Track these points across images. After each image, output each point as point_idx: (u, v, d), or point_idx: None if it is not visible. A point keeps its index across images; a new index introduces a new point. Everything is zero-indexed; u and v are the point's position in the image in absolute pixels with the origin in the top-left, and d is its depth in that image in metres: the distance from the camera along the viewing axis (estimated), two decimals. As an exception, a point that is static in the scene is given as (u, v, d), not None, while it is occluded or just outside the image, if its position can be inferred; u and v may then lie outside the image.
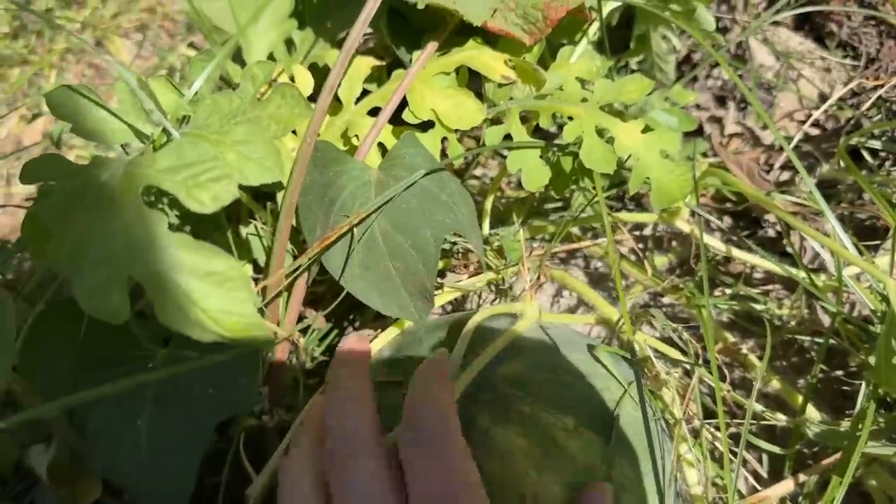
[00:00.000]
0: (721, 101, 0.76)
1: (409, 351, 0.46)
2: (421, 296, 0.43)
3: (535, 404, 0.40)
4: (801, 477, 0.50)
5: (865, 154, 0.64)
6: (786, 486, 0.50)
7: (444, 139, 0.53)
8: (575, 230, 0.66)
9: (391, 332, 0.48)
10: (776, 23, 0.82)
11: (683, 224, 0.59)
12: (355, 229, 0.44)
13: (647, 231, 0.70)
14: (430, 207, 0.44)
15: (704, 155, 0.68)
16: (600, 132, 0.50)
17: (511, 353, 0.43)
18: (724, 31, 0.84)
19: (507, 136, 0.52)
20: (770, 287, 0.63)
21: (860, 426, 0.44)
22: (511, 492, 0.37)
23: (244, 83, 0.43)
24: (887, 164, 0.65)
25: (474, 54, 0.52)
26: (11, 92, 1.21)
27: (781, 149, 0.68)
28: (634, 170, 0.48)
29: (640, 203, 0.71)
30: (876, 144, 0.63)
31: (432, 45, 0.52)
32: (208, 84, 0.43)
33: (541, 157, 0.52)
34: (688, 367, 0.52)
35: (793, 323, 0.57)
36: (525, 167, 0.51)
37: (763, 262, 0.56)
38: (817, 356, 0.52)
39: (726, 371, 0.59)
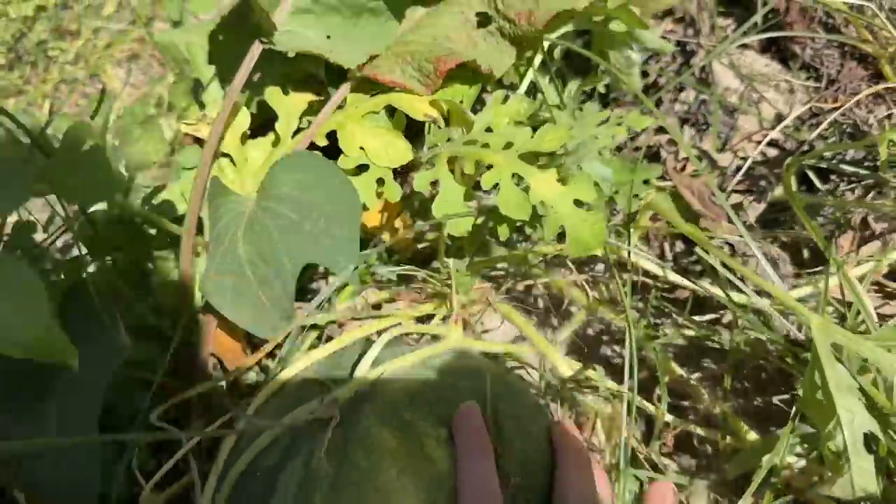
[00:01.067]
0: (683, 123, 0.77)
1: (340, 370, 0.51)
2: (285, 318, 0.48)
3: (416, 413, 0.44)
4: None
5: (812, 176, 0.65)
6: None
7: (380, 180, 0.55)
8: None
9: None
10: (743, 46, 0.83)
11: (625, 256, 0.60)
12: (227, 257, 0.48)
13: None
14: (290, 238, 0.48)
15: (661, 178, 0.69)
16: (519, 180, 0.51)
17: (419, 369, 0.49)
18: (689, 54, 0.86)
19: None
20: (724, 311, 0.63)
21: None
22: (369, 486, 0.40)
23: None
24: (841, 185, 0.65)
25: (400, 95, 0.54)
26: (5, 122, 1.25)
27: (736, 171, 0.69)
28: (549, 219, 0.49)
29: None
30: (823, 165, 0.64)
31: (345, 86, 0.55)
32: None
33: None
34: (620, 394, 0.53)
35: (743, 346, 0.57)
36: (449, 214, 0.53)
37: (703, 289, 0.56)
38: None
39: (671, 400, 0.60)
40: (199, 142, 0.63)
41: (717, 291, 0.56)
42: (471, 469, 0.41)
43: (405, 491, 0.40)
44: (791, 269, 0.59)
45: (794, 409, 0.49)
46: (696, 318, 0.60)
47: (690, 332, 0.60)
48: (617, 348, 0.66)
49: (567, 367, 0.54)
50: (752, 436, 0.52)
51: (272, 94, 0.57)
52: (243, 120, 0.57)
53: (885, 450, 0.41)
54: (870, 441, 0.41)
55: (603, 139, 0.62)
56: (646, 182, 0.68)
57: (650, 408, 0.55)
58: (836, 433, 0.40)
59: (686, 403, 0.60)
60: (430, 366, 0.49)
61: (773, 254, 0.60)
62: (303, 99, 0.57)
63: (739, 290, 0.55)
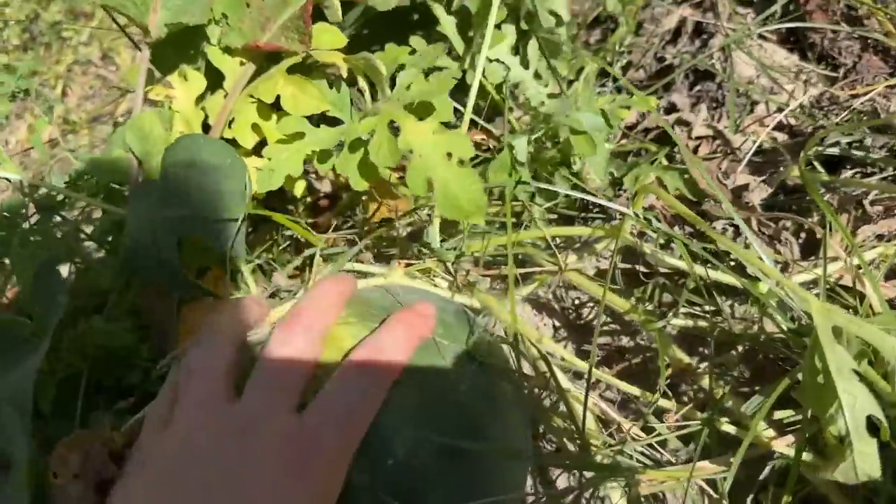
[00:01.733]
0: (696, 103, 0.76)
1: None
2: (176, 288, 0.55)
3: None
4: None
5: (818, 166, 0.64)
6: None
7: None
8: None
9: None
10: (763, 38, 0.82)
11: (628, 238, 0.60)
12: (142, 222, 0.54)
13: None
14: (172, 212, 0.52)
15: (668, 158, 0.68)
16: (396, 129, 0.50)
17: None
18: (708, 36, 0.85)
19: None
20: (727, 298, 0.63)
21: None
22: None
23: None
24: (857, 175, 0.64)
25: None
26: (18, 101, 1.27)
27: (756, 154, 0.68)
28: (414, 167, 0.48)
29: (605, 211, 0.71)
30: (836, 151, 0.63)
31: (245, 68, 0.57)
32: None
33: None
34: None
35: (743, 332, 0.57)
36: (349, 171, 0.53)
37: (702, 273, 0.56)
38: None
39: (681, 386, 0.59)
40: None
41: (716, 276, 0.56)
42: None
43: None
44: (798, 254, 0.58)
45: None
46: (700, 303, 0.59)
47: (690, 322, 0.59)
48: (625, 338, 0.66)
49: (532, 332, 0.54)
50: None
51: (213, 53, 0.58)
52: (198, 82, 0.58)
53: (888, 434, 0.40)
54: (872, 425, 0.40)
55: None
56: (653, 162, 0.67)
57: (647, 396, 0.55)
58: (838, 417, 0.39)
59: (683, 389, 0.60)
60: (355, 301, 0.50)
61: (780, 237, 0.59)
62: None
63: (741, 275, 0.54)
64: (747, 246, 0.59)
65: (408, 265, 0.57)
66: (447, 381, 0.45)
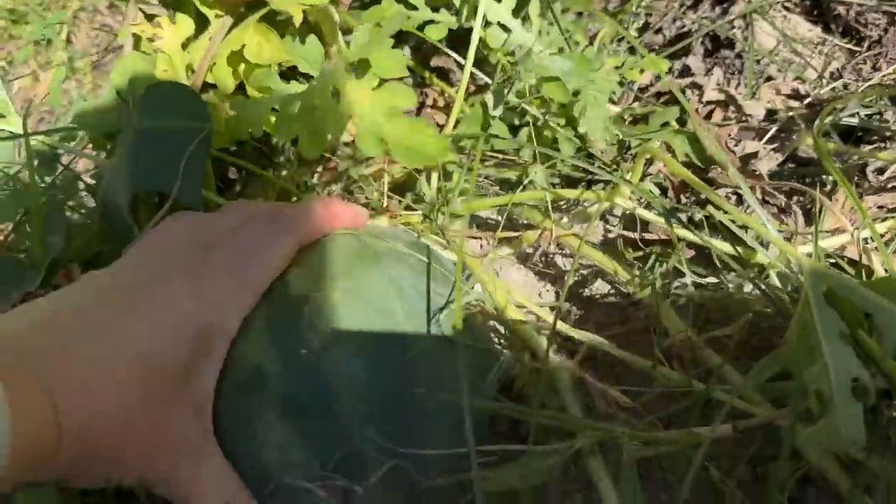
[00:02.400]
0: (711, 69, 0.76)
1: None
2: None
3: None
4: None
5: (834, 135, 0.63)
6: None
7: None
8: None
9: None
10: (786, 8, 0.81)
11: (625, 202, 0.60)
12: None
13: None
14: (134, 163, 0.52)
15: (679, 122, 0.68)
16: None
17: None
18: (729, 3, 0.84)
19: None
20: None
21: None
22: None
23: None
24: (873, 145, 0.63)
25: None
26: (24, 47, 1.28)
27: (762, 120, 0.68)
28: (361, 129, 0.48)
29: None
30: (854, 121, 0.62)
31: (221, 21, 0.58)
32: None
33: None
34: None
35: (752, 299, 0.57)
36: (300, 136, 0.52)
37: (703, 240, 0.56)
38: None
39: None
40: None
41: (718, 244, 0.56)
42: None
43: None
44: (803, 225, 0.58)
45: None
46: (700, 273, 0.59)
47: (689, 291, 0.59)
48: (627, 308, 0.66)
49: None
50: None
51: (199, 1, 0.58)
52: (186, 26, 0.59)
53: (874, 398, 0.40)
54: (857, 389, 0.40)
55: (602, 83, 0.62)
56: (664, 125, 0.67)
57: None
58: (823, 380, 0.39)
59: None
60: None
61: (786, 207, 0.59)
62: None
63: (741, 244, 0.54)
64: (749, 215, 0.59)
65: (392, 217, 0.57)
66: (395, 322, 0.44)
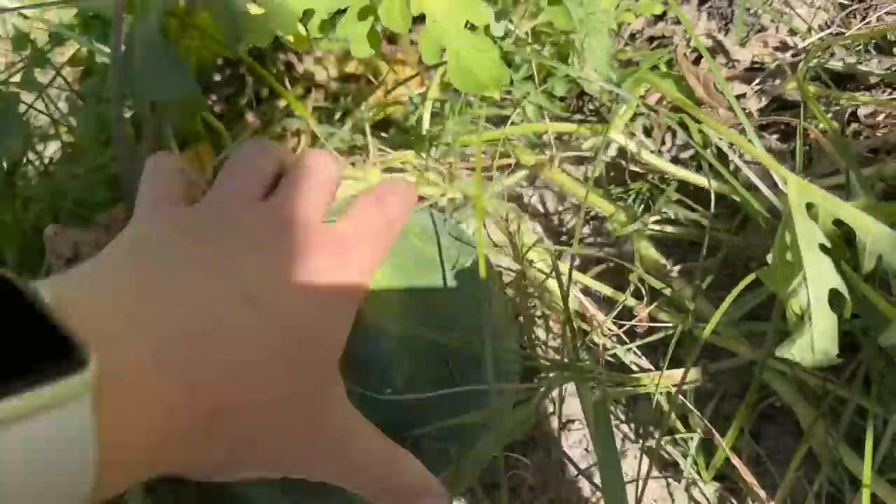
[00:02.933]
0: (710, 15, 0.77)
1: None
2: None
3: None
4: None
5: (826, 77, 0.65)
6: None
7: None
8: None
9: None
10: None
11: (619, 137, 0.61)
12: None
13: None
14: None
15: (668, 65, 0.70)
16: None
17: None
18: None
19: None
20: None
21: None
22: None
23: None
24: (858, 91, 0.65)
25: None
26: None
27: (750, 69, 0.69)
28: (428, 32, 0.46)
29: (600, 114, 0.72)
30: (840, 67, 0.64)
31: None
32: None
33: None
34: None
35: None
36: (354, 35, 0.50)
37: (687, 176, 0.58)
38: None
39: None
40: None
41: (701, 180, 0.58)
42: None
43: None
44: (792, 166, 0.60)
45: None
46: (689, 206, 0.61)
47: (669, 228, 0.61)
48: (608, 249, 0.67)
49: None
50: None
51: None
52: None
53: (850, 311, 0.42)
54: (834, 303, 0.42)
55: (603, 16, 0.63)
56: (653, 68, 0.68)
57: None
58: (800, 290, 0.41)
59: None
60: None
61: (771, 146, 0.60)
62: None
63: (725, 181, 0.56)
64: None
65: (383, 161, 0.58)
66: (438, 297, 0.46)
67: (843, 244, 0.44)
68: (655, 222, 0.61)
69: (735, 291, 0.47)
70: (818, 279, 0.40)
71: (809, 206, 0.43)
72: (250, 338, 0.32)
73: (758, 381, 0.50)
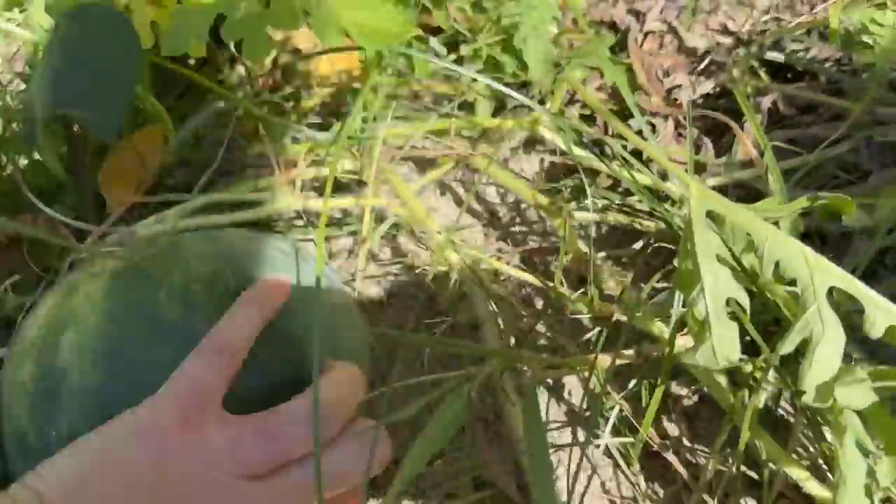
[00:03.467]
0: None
1: None
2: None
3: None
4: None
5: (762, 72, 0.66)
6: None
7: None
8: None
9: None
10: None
11: (545, 131, 0.62)
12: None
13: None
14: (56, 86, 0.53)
15: (613, 50, 0.70)
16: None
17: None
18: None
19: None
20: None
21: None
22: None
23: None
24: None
25: None
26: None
27: (701, 54, 0.70)
28: (317, 17, 0.47)
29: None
30: (780, 58, 0.65)
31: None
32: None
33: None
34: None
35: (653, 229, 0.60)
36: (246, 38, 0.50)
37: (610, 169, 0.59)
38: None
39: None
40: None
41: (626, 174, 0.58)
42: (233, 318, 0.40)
43: None
44: (713, 157, 0.61)
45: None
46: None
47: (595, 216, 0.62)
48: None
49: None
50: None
51: None
52: None
53: (748, 319, 0.43)
54: (735, 310, 0.43)
55: (544, 8, 0.63)
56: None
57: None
58: (699, 300, 0.42)
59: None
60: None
61: (696, 139, 0.61)
62: None
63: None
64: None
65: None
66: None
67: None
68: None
69: (647, 287, 0.48)
70: (715, 289, 0.42)
71: (712, 214, 0.44)
72: None
73: (667, 367, 0.51)
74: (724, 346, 0.42)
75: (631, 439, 0.53)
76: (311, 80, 0.71)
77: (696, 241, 0.42)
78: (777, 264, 0.43)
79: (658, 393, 0.49)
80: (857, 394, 0.41)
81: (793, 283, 0.42)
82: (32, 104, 0.54)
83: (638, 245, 0.60)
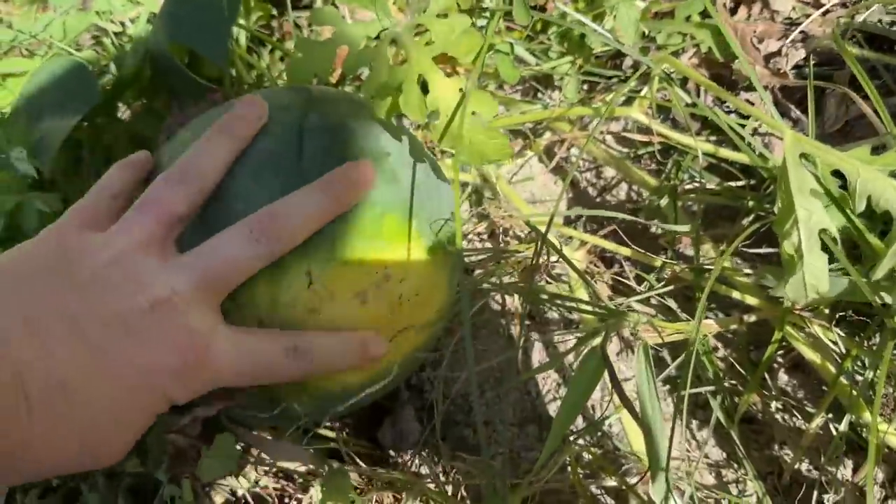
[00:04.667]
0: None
1: None
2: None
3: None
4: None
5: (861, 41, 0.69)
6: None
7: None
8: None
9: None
10: None
11: (642, 116, 0.67)
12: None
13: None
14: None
15: (702, 15, 0.74)
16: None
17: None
18: None
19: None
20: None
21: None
22: None
23: None
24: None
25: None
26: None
27: (789, 22, 0.73)
28: (441, 123, 0.52)
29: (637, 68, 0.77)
30: (876, 26, 0.67)
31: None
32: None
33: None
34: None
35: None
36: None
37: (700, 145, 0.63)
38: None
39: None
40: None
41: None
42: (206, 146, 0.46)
43: None
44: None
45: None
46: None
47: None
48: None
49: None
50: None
51: None
52: None
53: (842, 253, 0.47)
54: (826, 244, 0.47)
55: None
56: (688, 19, 0.73)
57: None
58: (793, 232, 0.47)
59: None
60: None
61: (793, 115, 0.65)
62: None
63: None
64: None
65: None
66: None
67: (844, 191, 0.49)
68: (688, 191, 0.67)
69: (737, 241, 0.52)
70: (808, 221, 0.46)
71: (806, 157, 0.48)
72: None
73: (778, 335, 0.55)
74: (814, 277, 0.46)
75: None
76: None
77: (790, 178, 0.46)
78: (869, 199, 0.47)
79: (771, 350, 0.53)
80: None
81: (885, 217, 0.46)
82: (157, 41, 0.65)
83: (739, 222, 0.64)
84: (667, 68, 0.68)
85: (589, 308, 0.55)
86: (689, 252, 0.66)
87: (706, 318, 0.59)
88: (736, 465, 0.57)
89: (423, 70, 0.52)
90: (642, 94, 0.70)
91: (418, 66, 0.52)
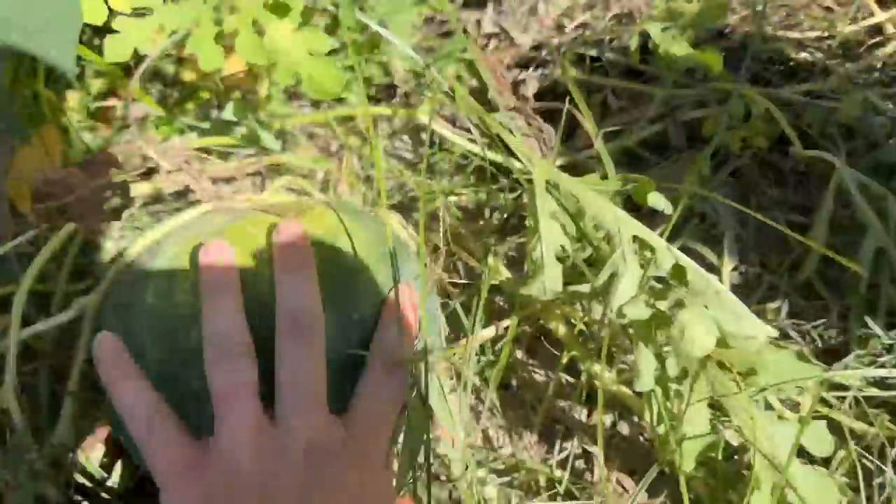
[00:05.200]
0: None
1: None
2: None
3: None
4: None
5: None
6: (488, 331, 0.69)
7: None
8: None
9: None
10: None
11: (424, 116, 0.77)
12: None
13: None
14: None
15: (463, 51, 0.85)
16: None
17: None
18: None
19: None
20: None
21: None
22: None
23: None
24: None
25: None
26: None
27: (534, 50, 0.87)
28: (282, 64, 0.61)
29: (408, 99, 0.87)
30: (593, 52, 0.83)
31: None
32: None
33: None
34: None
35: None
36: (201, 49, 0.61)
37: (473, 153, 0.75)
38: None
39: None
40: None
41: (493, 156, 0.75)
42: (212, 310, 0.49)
43: None
44: (558, 141, 0.78)
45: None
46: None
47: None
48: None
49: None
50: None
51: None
52: None
53: (571, 262, 0.60)
54: (560, 255, 0.60)
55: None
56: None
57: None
58: (537, 246, 0.59)
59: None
60: None
61: (541, 126, 0.78)
62: None
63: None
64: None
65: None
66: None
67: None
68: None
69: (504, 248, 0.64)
70: (548, 239, 0.58)
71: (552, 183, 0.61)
72: None
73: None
74: (552, 281, 0.59)
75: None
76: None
77: (536, 203, 0.58)
78: (594, 219, 0.60)
79: (513, 324, 0.65)
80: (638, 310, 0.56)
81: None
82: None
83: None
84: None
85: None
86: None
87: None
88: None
89: (255, 16, 0.59)
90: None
91: (248, 13, 0.59)
